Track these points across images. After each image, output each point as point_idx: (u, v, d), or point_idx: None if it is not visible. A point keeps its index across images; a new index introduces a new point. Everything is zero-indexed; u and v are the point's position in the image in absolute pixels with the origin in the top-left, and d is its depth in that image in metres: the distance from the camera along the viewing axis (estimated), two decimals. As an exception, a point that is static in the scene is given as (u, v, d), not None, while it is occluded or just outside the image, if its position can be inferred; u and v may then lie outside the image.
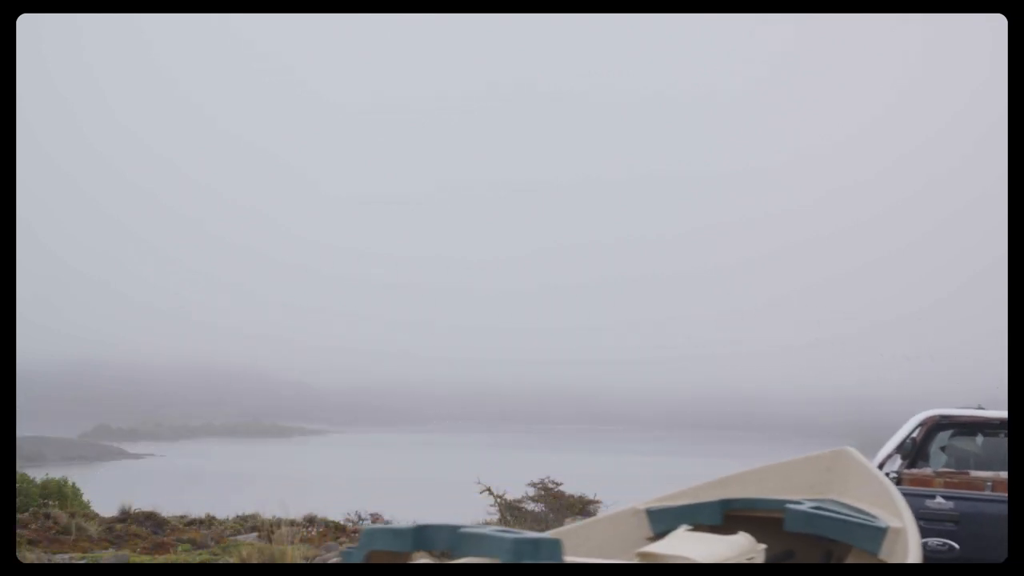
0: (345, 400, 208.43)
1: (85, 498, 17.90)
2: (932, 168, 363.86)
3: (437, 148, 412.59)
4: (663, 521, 6.11)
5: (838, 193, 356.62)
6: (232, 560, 11.66)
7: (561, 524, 12.60)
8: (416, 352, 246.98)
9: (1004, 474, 9.33)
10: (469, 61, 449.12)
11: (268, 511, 15.65)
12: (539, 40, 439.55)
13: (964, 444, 10.63)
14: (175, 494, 25.03)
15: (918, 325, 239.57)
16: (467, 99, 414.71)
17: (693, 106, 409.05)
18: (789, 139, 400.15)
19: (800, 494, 6.30)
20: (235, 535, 14.55)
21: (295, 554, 11.23)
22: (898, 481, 9.55)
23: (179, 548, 13.33)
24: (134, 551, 13.00)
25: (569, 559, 4.39)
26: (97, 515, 15.90)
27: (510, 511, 17.16)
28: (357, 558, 4.81)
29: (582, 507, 17.81)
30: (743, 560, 5.31)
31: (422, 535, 4.75)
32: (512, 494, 18.13)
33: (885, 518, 5.78)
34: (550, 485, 18.77)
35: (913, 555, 5.38)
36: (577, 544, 5.71)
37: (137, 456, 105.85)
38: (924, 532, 7.73)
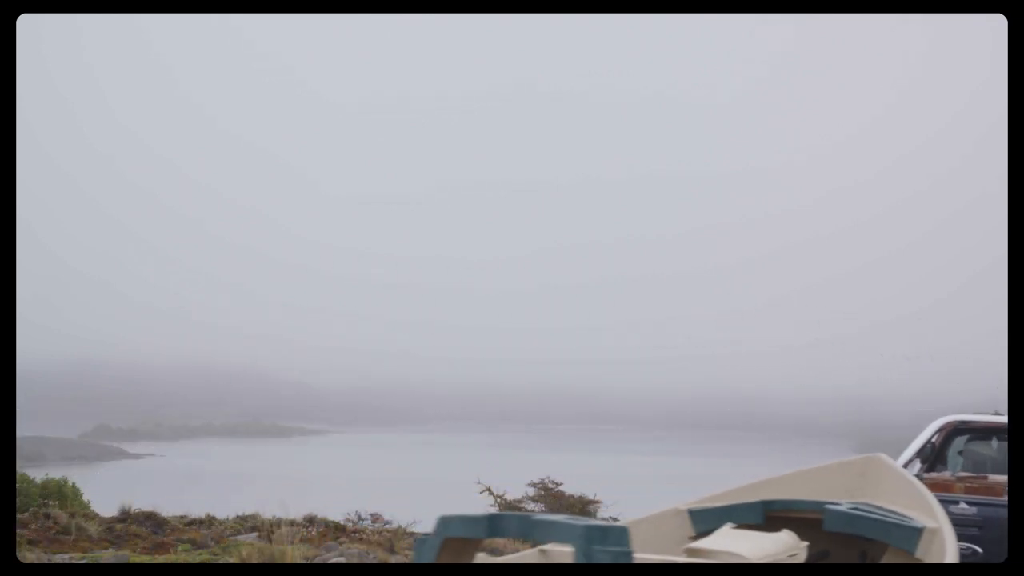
0: (345, 400, 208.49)
1: (85, 498, 17.89)
2: (932, 168, 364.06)
3: (437, 148, 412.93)
4: (705, 521, 6.35)
5: (838, 193, 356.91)
6: (232, 560, 11.65)
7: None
8: (416, 352, 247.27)
9: None
10: (469, 61, 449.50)
11: (268, 511, 15.64)
12: (539, 40, 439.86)
13: (981, 448, 10.94)
14: (175, 494, 25.02)
15: (918, 325, 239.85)
16: (467, 99, 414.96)
17: (693, 106, 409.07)
18: (789, 139, 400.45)
19: (835, 497, 6.51)
20: (235, 535, 14.53)
21: (295, 554, 11.24)
22: None
23: (179, 548, 13.32)
24: (134, 551, 12.99)
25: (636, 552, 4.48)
26: (97, 515, 15.89)
27: (510, 511, 17.15)
28: (433, 545, 4.91)
29: (582, 507, 17.83)
30: (787, 556, 5.56)
31: (495, 522, 4.86)
32: (512, 494, 18.16)
33: (921, 519, 5.96)
34: (550, 485, 18.80)
35: (950, 554, 5.56)
36: None
37: (137, 456, 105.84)
38: None
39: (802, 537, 5.84)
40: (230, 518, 16.37)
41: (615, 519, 14.86)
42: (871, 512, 5.98)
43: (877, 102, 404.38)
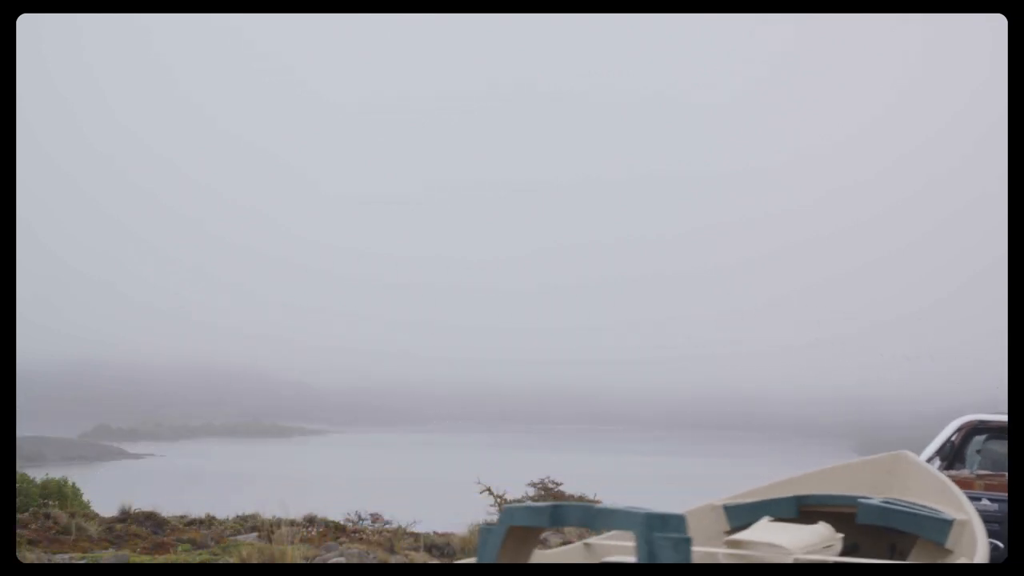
0: (345, 400, 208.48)
1: (85, 498, 17.89)
2: (932, 168, 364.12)
3: (437, 148, 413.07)
4: (740, 516, 6.65)
5: (838, 193, 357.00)
6: (232, 560, 11.65)
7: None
8: (416, 352, 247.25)
9: None
10: (469, 61, 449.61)
11: (268, 511, 15.64)
12: (539, 40, 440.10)
13: (998, 447, 11.15)
14: (175, 494, 25.00)
15: (918, 325, 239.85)
16: (467, 99, 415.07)
17: (693, 106, 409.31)
18: (789, 139, 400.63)
19: (863, 493, 6.75)
20: (235, 535, 14.52)
21: (295, 554, 11.23)
22: None
23: (179, 548, 13.31)
24: (134, 551, 12.99)
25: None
26: (97, 515, 15.88)
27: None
28: (498, 533, 5.04)
29: (582, 507, 17.81)
30: (824, 547, 5.84)
31: (558, 512, 4.98)
32: (512, 494, 18.13)
33: (950, 512, 6.21)
34: (550, 485, 18.79)
35: (981, 545, 5.80)
36: None
37: (137, 456, 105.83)
38: None
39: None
40: (230, 518, 16.36)
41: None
42: (903, 506, 6.21)
43: (877, 102, 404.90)
